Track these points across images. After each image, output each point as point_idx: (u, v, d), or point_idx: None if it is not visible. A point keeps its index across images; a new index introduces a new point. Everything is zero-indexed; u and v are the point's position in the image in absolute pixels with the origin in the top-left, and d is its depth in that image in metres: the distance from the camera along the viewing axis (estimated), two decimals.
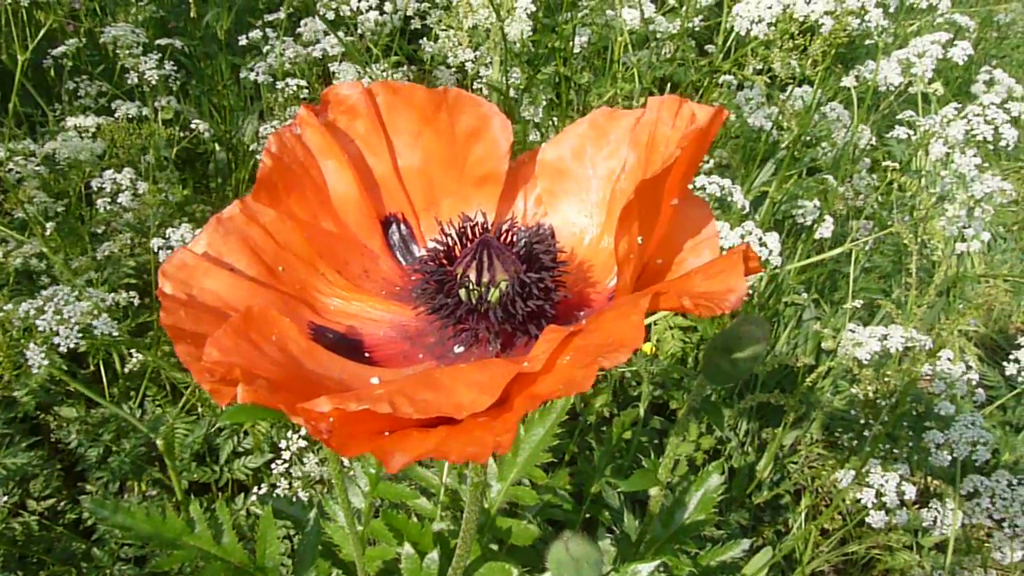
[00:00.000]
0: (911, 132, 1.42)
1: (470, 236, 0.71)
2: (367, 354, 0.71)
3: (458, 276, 0.67)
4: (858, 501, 1.35)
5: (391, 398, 0.49)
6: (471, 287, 0.66)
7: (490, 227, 0.72)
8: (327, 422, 0.49)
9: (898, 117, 1.44)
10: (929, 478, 1.58)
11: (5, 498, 1.51)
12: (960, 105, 1.32)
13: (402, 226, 0.78)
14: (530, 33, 1.66)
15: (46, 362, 1.10)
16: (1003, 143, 1.44)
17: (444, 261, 0.70)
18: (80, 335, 1.11)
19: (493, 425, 0.50)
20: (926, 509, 1.49)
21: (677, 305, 0.54)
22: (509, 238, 0.71)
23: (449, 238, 0.71)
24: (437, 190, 0.78)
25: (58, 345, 1.09)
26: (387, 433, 0.53)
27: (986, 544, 1.74)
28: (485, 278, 0.66)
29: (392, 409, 0.49)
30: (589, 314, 0.71)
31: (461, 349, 0.69)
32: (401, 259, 0.78)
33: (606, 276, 0.73)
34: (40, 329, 1.11)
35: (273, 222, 0.71)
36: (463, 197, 0.77)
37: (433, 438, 0.50)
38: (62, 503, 1.64)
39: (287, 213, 0.70)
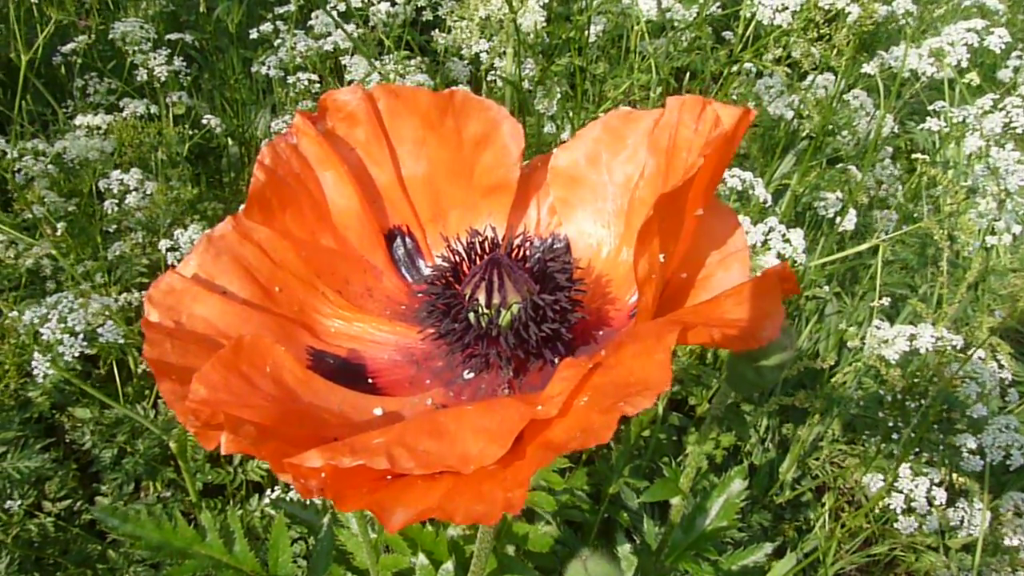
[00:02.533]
0: (943, 124, 1.34)
1: (479, 252, 0.64)
2: (370, 380, 0.64)
3: (466, 298, 0.60)
4: (887, 507, 1.28)
5: (389, 450, 0.43)
6: (480, 311, 0.59)
7: (500, 242, 0.65)
8: (318, 478, 0.43)
9: (930, 108, 1.35)
10: (955, 475, 1.51)
11: (20, 501, 1.47)
12: (997, 96, 1.24)
13: (407, 239, 0.72)
14: (544, 23, 1.58)
15: (51, 372, 1.05)
16: None
17: (451, 280, 0.63)
18: (85, 343, 1.06)
19: (503, 477, 0.43)
20: (952, 509, 1.42)
21: (707, 340, 0.47)
22: (521, 253, 0.65)
23: (456, 255, 0.64)
24: (444, 201, 0.71)
25: (63, 354, 1.04)
26: (388, 477, 0.47)
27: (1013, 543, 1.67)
28: (495, 300, 0.59)
29: (390, 464, 0.42)
30: (609, 334, 0.65)
31: (471, 375, 0.63)
32: (407, 275, 0.71)
33: (626, 292, 0.67)
34: (44, 338, 1.06)
35: (268, 239, 0.64)
36: (471, 207, 0.71)
37: (437, 491, 0.44)
38: (78, 503, 1.60)
39: (282, 230, 0.64)
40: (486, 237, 0.64)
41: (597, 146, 0.68)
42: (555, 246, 0.67)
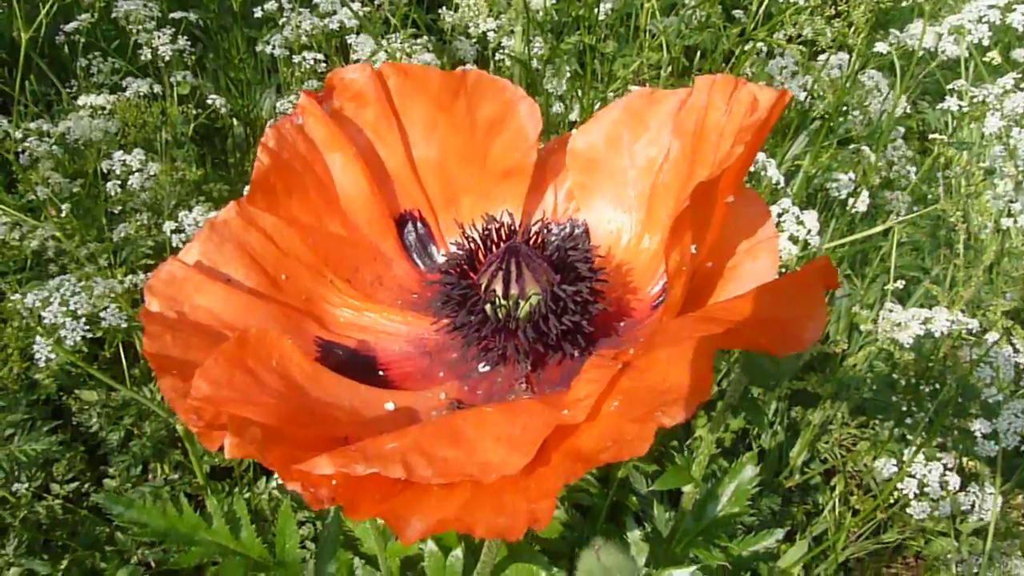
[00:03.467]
0: (962, 103, 1.29)
1: (495, 239, 0.60)
2: (381, 372, 0.61)
3: (483, 289, 0.56)
4: (899, 491, 1.25)
5: (405, 458, 0.39)
6: (498, 302, 0.55)
7: (517, 228, 0.61)
8: (329, 486, 0.40)
9: (949, 87, 1.30)
10: (965, 459, 1.47)
11: (28, 483, 1.44)
12: (1020, 75, 1.19)
13: (419, 224, 0.67)
14: (553, 1, 1.53)
15: (53, 356, 1.02)
16: None
17: (466, 269, 0.59)
18: (87, 327, 1.02)
19: (527, 487, 0.40)
20: (963, 493, 1.39)
21: (744, 344, 0.43)
22: (539, 240, 0.61)
23: (471, 242, 0.60)
24: (456, 185, 0.67)
25: (65, 338, 1.01)
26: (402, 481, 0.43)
27: (1022, 526, 1.64)
28: (513, 291, 0.55)
29: (407, 473, 0.39)
30: (631, 325, 0.61)
31: (487, 368, 0.59)
32: (419, 262, 0.67)
33: (649, 281, 0.63)
34: (46, 321, 1.02)
35: (274, 226, 0.60)
36: (485, 193, 0.67)
37: (455, 501, 0.40)
38: (86, 485, 1.57)
39: (288, 217, 0.60)
40: (502, 224, 0.60)
41: (618, 128, 0.64)
42: (574, 233, 0.63)
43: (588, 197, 0.65)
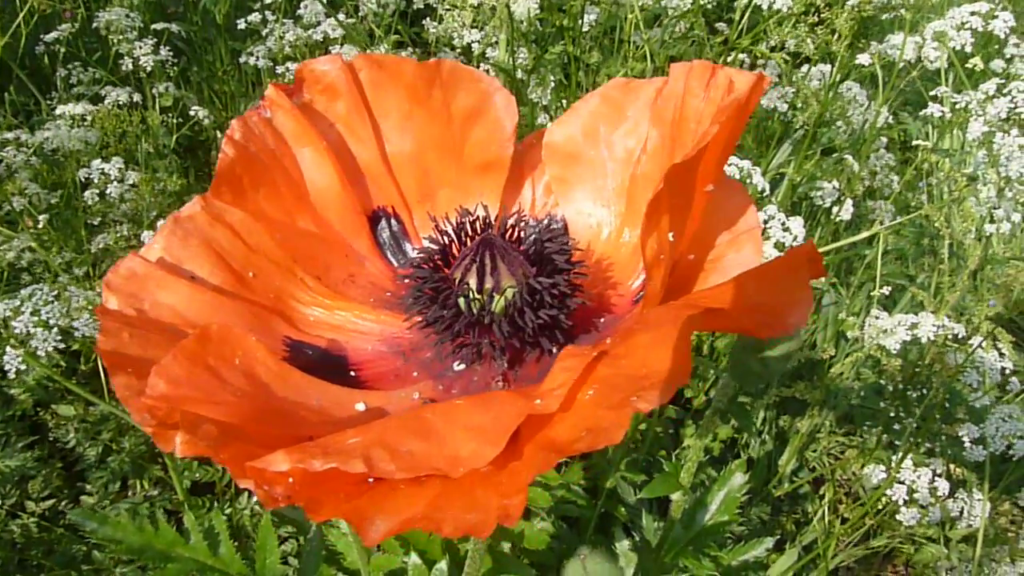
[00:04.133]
0: (945, 110, 1.27)
1: (470, 233, 0.58)
2: (352, 372, 0.58)
3: (456, 282, 0.54)
4: (887, 498, 1.22)
5: (367, 452, 0.37)
6: (471, 296, 0.53)
7: (493, 222, 0.59)
8: (285, 484, 0.37)
9: (931, 93, 1.29)
10: (952, 465, 1.45)
11: (2, 501, 1.40)
12: (1003, 81, 1.18)
13: (392, 221, 0.65)
14: (537, 11, 1.52)
15: (23, 367, 0.98)
16: None
17: (440, 263, 0.57)
18: (59, 337, 0.99)
19: (498, 481, 0.37)
20: (952, 499, 1.36)
21: (727, 326, 0.41)
22: (516, 234, 0.58)
23: (445, 236, 0.58)
24: (432, 179, 0.64)
25: (36, 349, 0.97)
26: (369, 481, 0.40)
27: (1010, 532, 1.61)
28: (488, 284, 0.53)
29: (367, 467, 0.36)
30: (611, 321, 0.59)
31: (462, 367, 0.56)
32: (392, 260, 0.65)
33: (629, 275, 0.60)
34: (17, 331, 0.99)
35: (242, 221, 0.58)
36: (462, 186, 0.64)
37: (423, 498, 0.37)
38: (63, 503, 1.53)
39: (255, 211, 0.57)
40: (477, 217, 0.58)
41: (595, 119, 0.62)
42: (552, 227, 0.61)
43: (566, 191, 0.63)
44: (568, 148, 0.63)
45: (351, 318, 0.60)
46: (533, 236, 0.56)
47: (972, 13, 1.23)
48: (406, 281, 0.59)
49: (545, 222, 0.62)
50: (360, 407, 0.53)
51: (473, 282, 0.53)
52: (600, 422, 0.34)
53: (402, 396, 0.55)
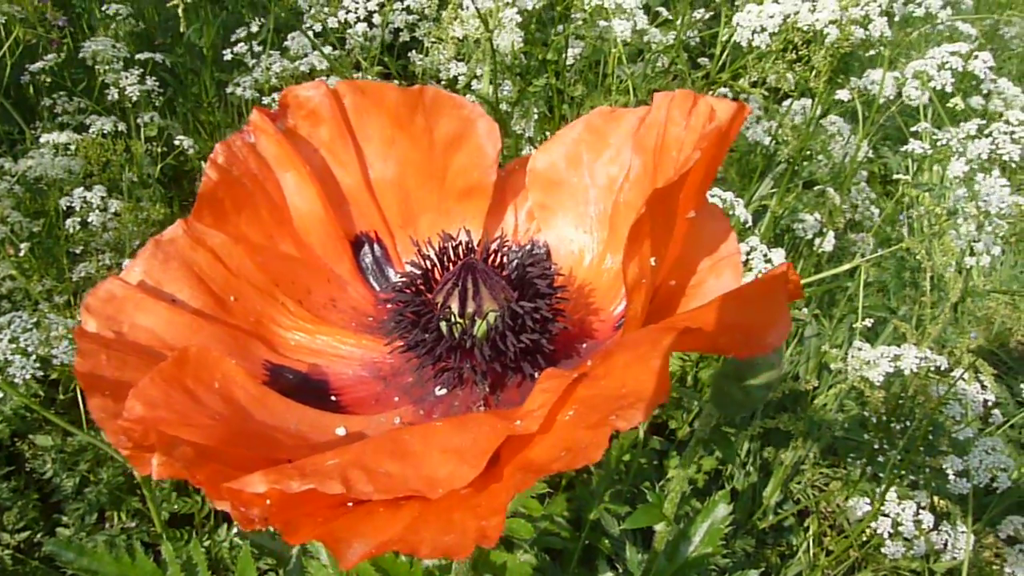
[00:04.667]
0: (926, 146, 1.29)
1: (452, 258, 0.58)
2: (333, 397, 0.58)
3: (438, 306, 0.54)
4: (872, 531, 1.22)
5: (344, 473, 0.36)
6: (453, 320, 0.53)
7: (475, 246, 0.59)
8: (262, 506, 0.36)
9: (912, 129, 1.31)
10: (936, 498, 1.45)
11: None
12: (984, 121, 1.20)
13: (375, 246, 0.65)
14: (520, 44, 1.54)
15: (0, 395, 0.97)
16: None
17: (421, 287, 0.57)
18: (37, 365, 0.98)
19: (476, 503, 0.37)
20: (935, 532, 1.36)
21: (705, 345, 0.41)
22: (498, 259, 0.58)
23: (428, 260, 0.58)
24: (414, 205, 0.64)
25: (13, 377, 0.96)
26: (348, 504, 0.40)
27: (994, 565, 1.61)
28: (470, 308, 0.53)
29: (345, 488, 0.36)
30: (593, 347, 0.59)
31: (443, 391, 0.56)
32: (375, 284, 0.65)
33: (611, 301, 0.61)
34: None
35: (223, 245, 0.57)
36: (444, 212, 0.64)
37: (400, 520, 0.37)
38: (38, 535, 1.50)
39: (236, 235, 0.57)
40: (460, 242, 0.58)
41: (578, 147, 0.62)
42: (535, 252, 0.61)
43: (549, 217, 0.63)
44: (551, 175, 0.63)
45: (332, 342, 0.60)
46: (515, 261, 0.57)
47: (952, 53, 1.26)
48: (388, 305, 0.59)
49: (528, 247, 0.62)
50: (340, 431, 0.52)
51: (455, 306, 0.53)
52: (578, 441, 0.34)
53: (382, 421, 0.55)
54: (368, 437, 0.53)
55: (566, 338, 0.58)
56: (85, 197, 1.27)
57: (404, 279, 0.58)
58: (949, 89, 1.27)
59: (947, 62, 1.27)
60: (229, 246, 0.57)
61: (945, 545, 1.36)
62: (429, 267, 0.57)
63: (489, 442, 0.37)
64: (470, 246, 0.58)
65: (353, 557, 0.36)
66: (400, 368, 0.58)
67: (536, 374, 0.55)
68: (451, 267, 0.57)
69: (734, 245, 0.56)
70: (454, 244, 0.57)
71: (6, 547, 1.45)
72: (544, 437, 0.37)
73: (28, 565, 1.43)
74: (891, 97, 1.53)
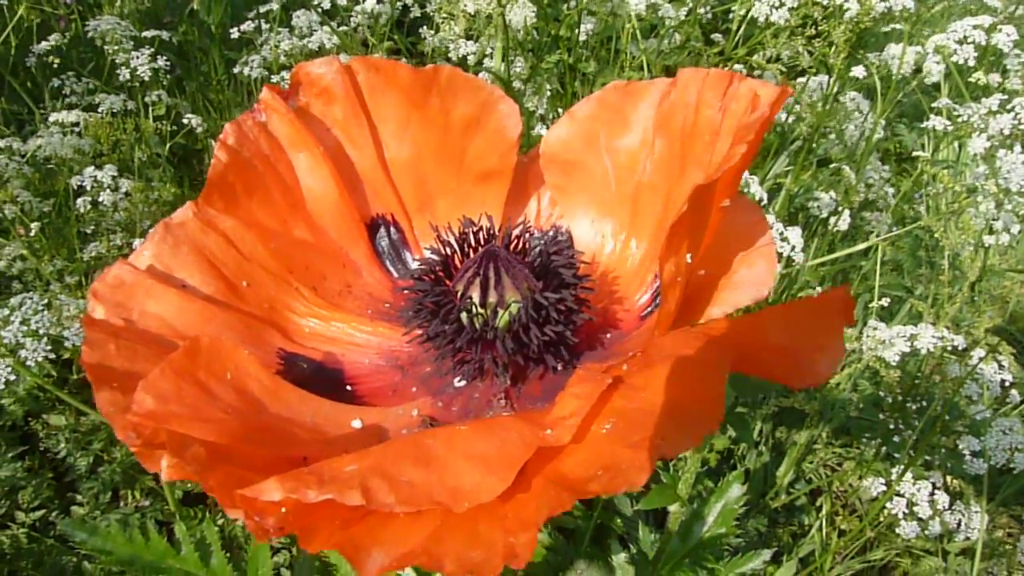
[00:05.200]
0: (946, 123, 1.25)
1: (472, 244, 0.55)
2: (349, 387, 0.55)
3: (458, 296, 0.51)
4: (885, 510, 1.19)
5: (365, 481, 0.33)
6: (474, 311, 0.50)
7: (496, 232, 0.56)
8: (277, 514, 0.34)
9: (933, 105, 1.27)
10: (950, 478, 1.43)
11: None
12: (1006, 97, 1.15)
13: (392, 229, 0.62)
14: (533, 20, 1.49)
15: (13, 376, 0.95)
16: None
17: (441, 275, 0.54)
18: (49, 348, 0.95)
19: (503, 515, 0.34)
20: (949, 512, 1.34)
21: (750, 369, 0.38)
22: (520, 245, 0.55)
23: (447, 246, 0.55)
24: (431, 188, 0.61)
25: (25, 359, 0.94)
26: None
27: (1007, 545, 1.59)
28: (491, 298, 0.50)
29: (365, 499, 0.33)
30: (618, 337, 0.56)
31: (463, 383, 0.53)
32: (391, 269, 0.62)
33: (636, 289, 0.58)
34: (6, 340, 0.95)
35: (235, 228, 0.55)
36: (462, 195, 0.61)
37: (423, 529, 0.34)
38: (53, 513, 1.48)
39: (248, 220, 0.54)
40: (480, 227, 0.55)
41: (593, 125, 0.58)
42: (558, 238, 0.58)
43: (568, 200, 0.60)
44: (566, 155, 0.60)
45: (348, 330, 0.57)
46: (539, 248, 0.53)
47: (975, 27, 1.20)
48: (406, 293, 0.56)
49: (551, 234, 0.59)
50: (356, 424, 0.50)
51: (476, 296, 0.50)
52: (618, 461, 0.31)
53: (400, 413, 0.52)
54: (386, 430, 0.50)
55: (589, 328, 0.55)
56: (96, 177, 1.23)
57: (423, 266, 0.55)
58: (972, 63, 1.22)
59: (969, 36, 1.22)
60: (241, 230, 0.54)
61: (959, 525, 1.34)
62: (449, 253, 0.54)
63: (518, 450, 0.34)
64: (491, 232, 0.54)
65: (374, 567, 0.33)
66: (418, 357, 0.56)
67: (559, 366, 0.52)
68: (471, 254, 0.54)
69: (767, 235, 0.53)
70: (475, 230, 0.54)
71: (21, 525, 1.44)
72: (577, 448, 0.34)
73: (43, 543, 1.42)
74: (908, 73, 1.49)
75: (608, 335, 0.56)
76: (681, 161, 0.54)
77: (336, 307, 0.57)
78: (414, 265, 0.61)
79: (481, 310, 0.49)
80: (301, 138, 0.57)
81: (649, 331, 0.52)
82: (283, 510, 0.34)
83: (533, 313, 0.49)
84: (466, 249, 0.54)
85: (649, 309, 0.56)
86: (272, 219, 0.56)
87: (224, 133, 0.54)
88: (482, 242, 0.54)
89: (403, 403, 0.53)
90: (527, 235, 0.55)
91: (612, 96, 0.59)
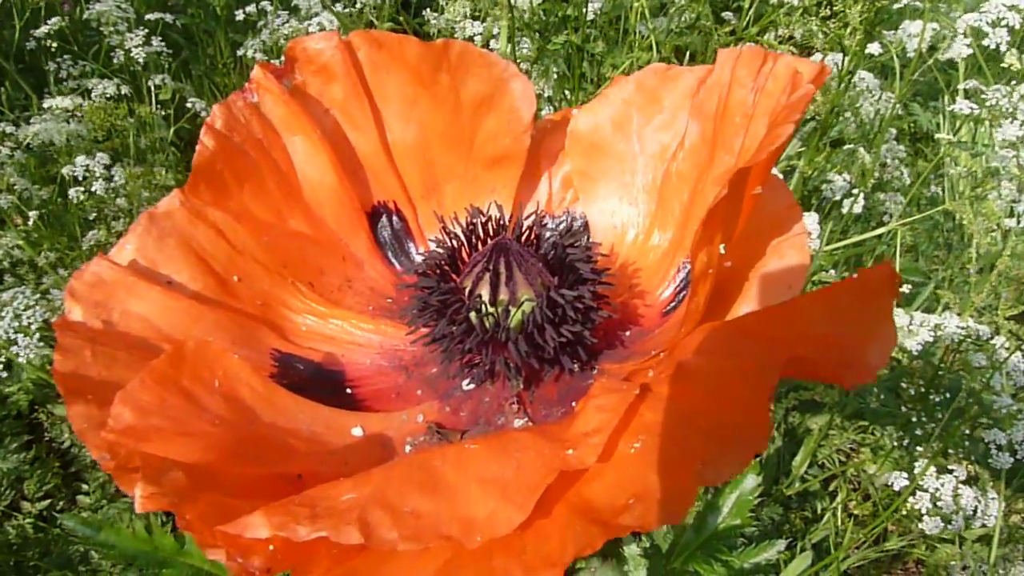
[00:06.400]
0: (973, 106, 1.18)
1: (481, 235, 0.49)
2: (349, 389, 0.50)
3: (466, 293, 0.46)
4: (910, 505, 1.15)
5: (364, 514, 0.29)
6: (484, 310, 0.45)
7: (507, 223, 0.51)
8: (264, 553, 0.29)
9: (960, 86, 1.21)
10: (966, 463, 1.38)
11: None
12: None
13: (394, 218, 0.57)
14: (539, 0, 1.43)
15: (5, 374, 0.90)
16: None
17: (447, 270, 0.49)
18: (41, 344, 0.91)
19: (522, 547, 0.29)
20: (966, 499, 1.29)
21: (797, 368, 0.32)
22: (532, 235, 0.50)
23: (454, 238, 0.50)
24: (438, 173, 0.56)
25: (18, 355, 0.89)
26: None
27: None
28: (502, 296, 0.45)
29: (364, 536, 0.28)
30: (639, 335, 0.51)
31: (472, 386, 0.48)
32: (394, 261, 0.57)
33: (658, 283, 0.52)
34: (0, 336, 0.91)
35: (226, 219, 0.50)
36: (471, 181, 0.56)
37: (429, 565, 0.30)
38: (59, 503, 1.45)
39: (239, 212, 0.49)
40: (489, 217, 0.50)
41: (627, 108, 0.53)
42: (573, 227, 0.53)
43: (590, 186, 0.55)
44: (595, 139, 0.54)
45: (347, 328, 0.52)
46: (553, 239, 0.48)
47: (1010, 7, 1.13)
48: (410, 288, 0.51)
49: (565, 221, 0.54)
50: (357, 432, 0.45)
51: (486, 294, 0.45)
52: (651, 489, 0.26)
53: (404, 419, 0.47)
54: (389, 439, 0.45)
55: (607, 325, 0.50)
56: (87, 165, 1.18)
57: (428, 260, 0.49)
58: (1004, 47, 1.15)
59: (1004, 18, 1.15)
60: (232, 221, 0.49)
61: (975, 512, 1.29)
62: (456, 246, 0.49)
63: (538, 474, 0.29)
64: (501, 223, 0.49)
65: None
66: (423, 357, 0.51)
67: (576, 368, 0.47)
68: (480, 246, 0.48)
69: (800, 223, 0.48)
70: (483, 220, 0.49)
71: (27, 515, 1.40)
72: (603, 468, 0.29)
73: (49, 533, 1.39)
74: (924, 51, 1.42)
75: (628, 332, 0.51)
76: (712, 146, 0.49)
77: (335, 303, 0.52)
78: (418, 257, 0.56)
79: (491, 309, 0.44)
80: (297, 120, 0.52)
81: (674, 328, 0.46)
82: (271, 548, 0.29)
83: (548, 312, 0.44)
84: (474, 241, 0.49)
85: (672, 304, 0.51)
86: (266, 210, 0.51)
87: (211, 116, 0.49)
88: (491, 233, 0.49)
89: (407, 407, 0.48)
90: (539, 224, 0.50)
91: (650, 79, 0.54)
